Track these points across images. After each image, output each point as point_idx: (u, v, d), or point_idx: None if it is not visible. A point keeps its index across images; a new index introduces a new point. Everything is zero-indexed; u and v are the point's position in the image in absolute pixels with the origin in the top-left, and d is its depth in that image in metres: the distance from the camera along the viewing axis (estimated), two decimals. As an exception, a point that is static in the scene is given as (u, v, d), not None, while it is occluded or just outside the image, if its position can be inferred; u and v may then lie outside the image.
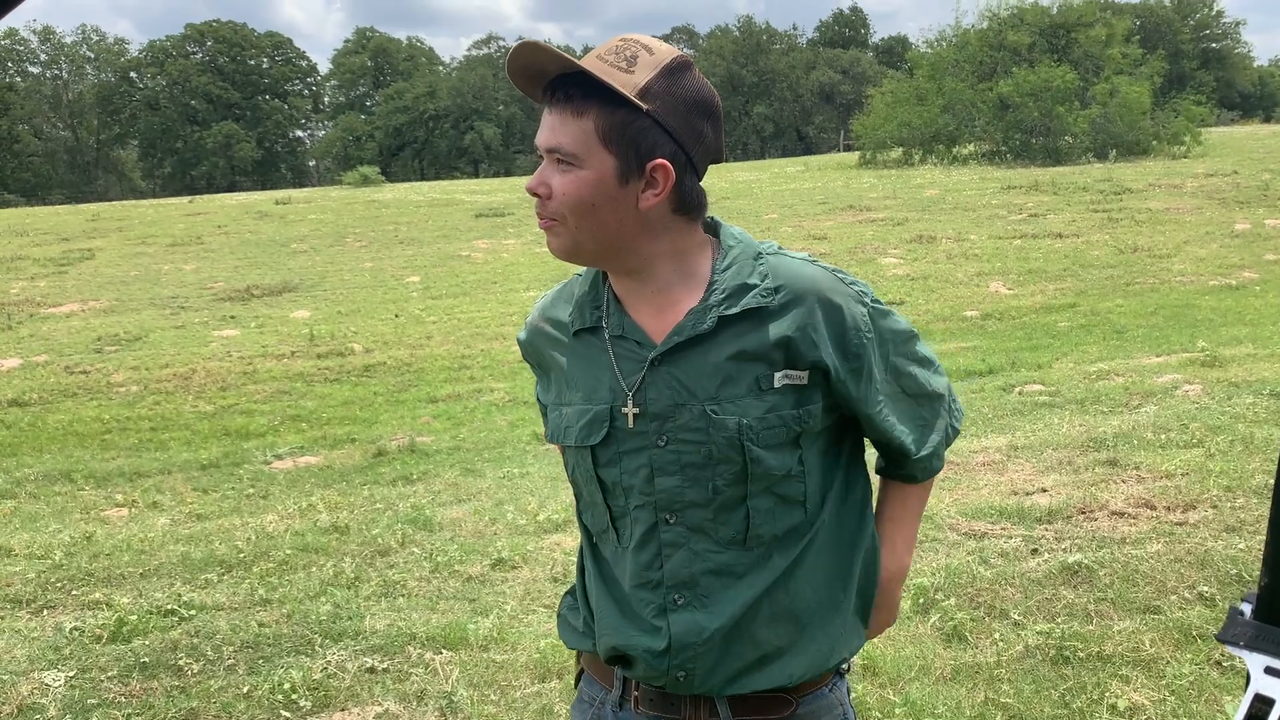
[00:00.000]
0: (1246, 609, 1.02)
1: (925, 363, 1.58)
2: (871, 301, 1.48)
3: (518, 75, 1.42)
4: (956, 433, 1.65)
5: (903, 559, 1.63)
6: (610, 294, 1.51)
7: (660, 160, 1.39)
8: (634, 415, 1.44)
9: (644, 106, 1.36)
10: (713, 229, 1.52)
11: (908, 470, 1.61)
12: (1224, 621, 1.02)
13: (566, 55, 1.35)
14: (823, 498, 1.49)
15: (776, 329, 1.41)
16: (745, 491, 1.43)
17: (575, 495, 1.61)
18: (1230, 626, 1.01)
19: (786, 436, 1.42)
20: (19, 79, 73.72)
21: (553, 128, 1.39)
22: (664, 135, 1.39)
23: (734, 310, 1.42)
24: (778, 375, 1.41)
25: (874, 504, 1.61)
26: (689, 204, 1.44)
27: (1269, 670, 0.96)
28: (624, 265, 1.47)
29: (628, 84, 1.36)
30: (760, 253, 1.47)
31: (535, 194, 1.42)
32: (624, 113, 1.37)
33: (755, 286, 1.43)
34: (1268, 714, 0.95)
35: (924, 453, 1.58)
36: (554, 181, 1.40)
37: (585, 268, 1.56)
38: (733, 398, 1.41)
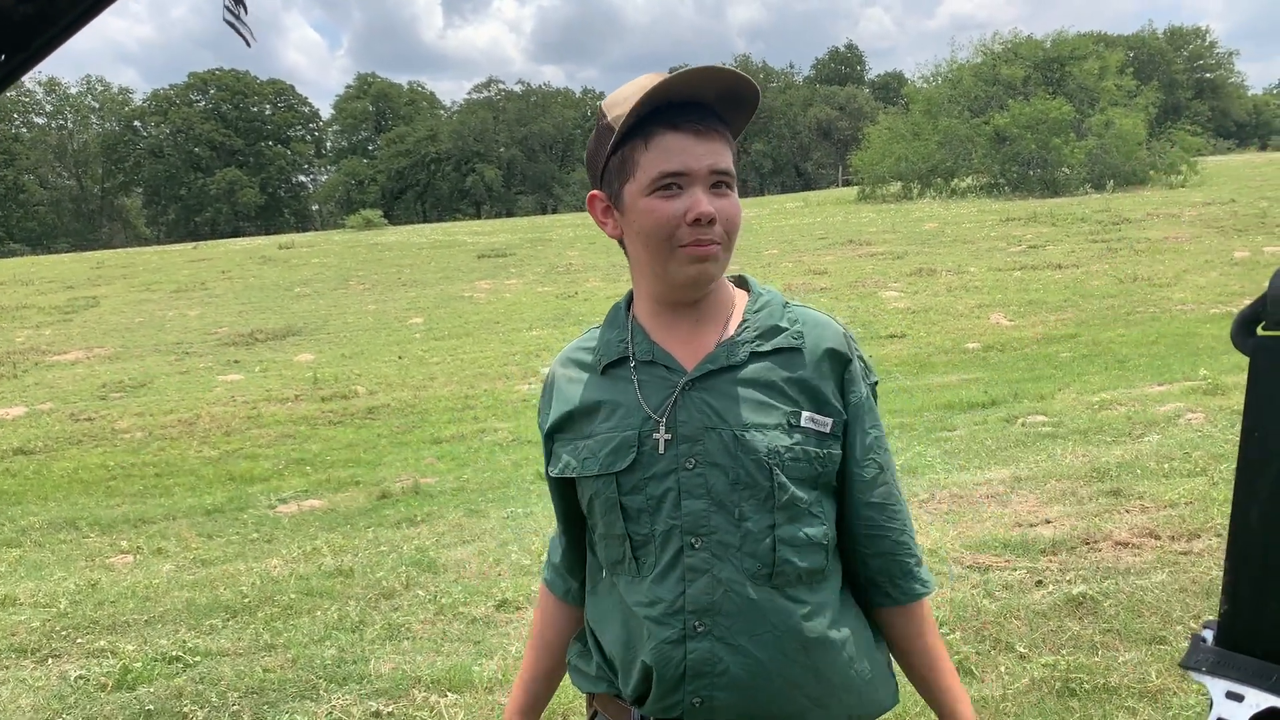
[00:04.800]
0: (1209, 635, 1.05)
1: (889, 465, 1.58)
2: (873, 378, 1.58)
3: (656, 97, 1.45)
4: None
5: (959, 692, 1.57)
6: (636, 326, 1.55)
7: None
8: (665, 441, 1.46)
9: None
10: (740, 281, 1.61)
11: (901, 580, 1.55)
12: (1187, 648, 1.05)
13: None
14: (837, 551, 1.52)
15: (804, 371, 1.48)
16: (773, 520, 1.44)
17: (589, 528, 1.60)
18: (1193, 653, 1.04)
19: (810, 473, 1.46)
20: (24, 130, 74.45)
21: (716, 151, 1.45)
22: None
23: (765, 347, 1.49)
24: (804, 415, 1.47)
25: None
26: None
27: (1230, 695, 0.99)
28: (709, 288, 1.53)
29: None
30: (788, 303, 1.55)
31: (712, 220, 1.44)
32: None
33: (786, 330, 1.51)
34: None
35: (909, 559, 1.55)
36: (717, 204, 1.45)
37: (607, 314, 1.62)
38: (762, 427, 1.44)
